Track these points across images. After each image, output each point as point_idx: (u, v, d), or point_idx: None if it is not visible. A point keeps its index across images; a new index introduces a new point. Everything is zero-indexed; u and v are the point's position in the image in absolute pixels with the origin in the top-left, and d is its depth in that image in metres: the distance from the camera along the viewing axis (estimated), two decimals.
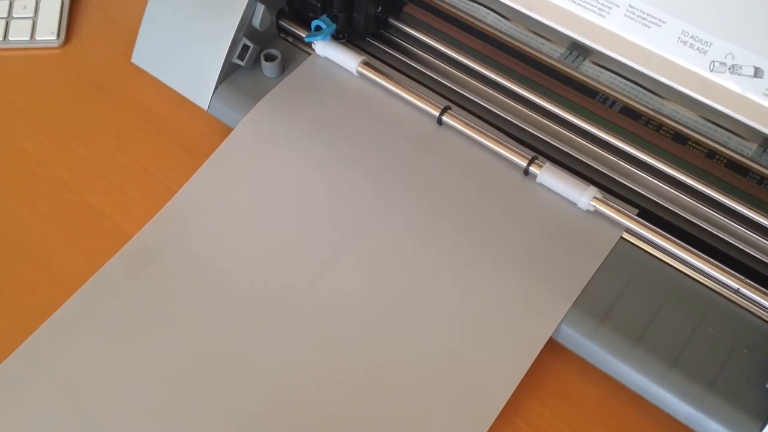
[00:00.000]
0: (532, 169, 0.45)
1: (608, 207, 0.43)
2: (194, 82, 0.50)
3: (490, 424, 0.38)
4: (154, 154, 0.51)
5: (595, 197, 0.43)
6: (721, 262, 0.41)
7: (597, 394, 0.42)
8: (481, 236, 0.43)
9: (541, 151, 0.47)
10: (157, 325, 0.42)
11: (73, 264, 0.46)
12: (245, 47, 0.49)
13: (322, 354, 0.41)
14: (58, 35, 0.57)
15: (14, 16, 0.57)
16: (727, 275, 0.41)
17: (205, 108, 0.50)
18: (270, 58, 0.50)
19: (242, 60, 0.50)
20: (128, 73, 0.55)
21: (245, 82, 0.50)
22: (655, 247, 0.42)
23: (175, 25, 0.50)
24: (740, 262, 0.42)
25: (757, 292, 0.40)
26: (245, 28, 0.49)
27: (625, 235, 0.43)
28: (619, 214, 0.43)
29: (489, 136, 0.46)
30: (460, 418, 0.39)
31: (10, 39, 0.56)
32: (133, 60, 0.53)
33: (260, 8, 0.49)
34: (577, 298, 0.41)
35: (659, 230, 0.42)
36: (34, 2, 0.58)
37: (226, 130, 0.50)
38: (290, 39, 0.53)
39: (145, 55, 0.52)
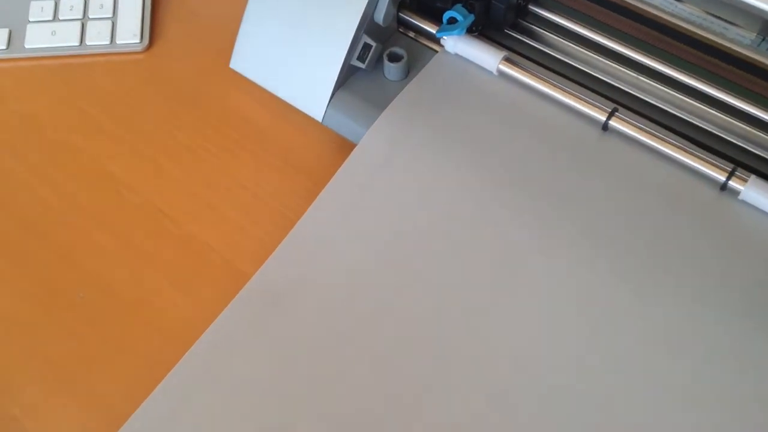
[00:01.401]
0: (733, 183, 0.37)
1: None
2: (306, 89, 0.43)
3: None
4: (261, 176, 0.44)
5: None
6: None
7: None
8: (690, 278, 0.35)
9: (739, 161, 0.38)
10: (289, 387, 0.35)
11: (179, 309, 0.39)
12: (366, 46, 0.42)
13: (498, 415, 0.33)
14: (141, 38, 0.50)
15: (90, 17, 0.50)
16: None
17: (320, 119, 0.43)
18: (395, 58, 0.43)
19: (363, 62, 0.42)
20: (224, 80, 0.48)
21: (365, 87, 0.43)
22: None
23: (282, 24, 0.43)
24: None
25: None
26: (366, 24, 0.41)
27: None
28: None
29: (671, 143, 0.38)
30: None
31: (87, 44, 0.49)
32: (232, 65, 0.45)
33: (384, 0, 0.41)
34: None
35: None
36: (111, 1, 0.51)
37: (345, 145, 0.43)
38: (411, 34, 0.45)
39: (245, 60, 0.45)
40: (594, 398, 0.33)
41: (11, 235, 0.41)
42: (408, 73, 0.43)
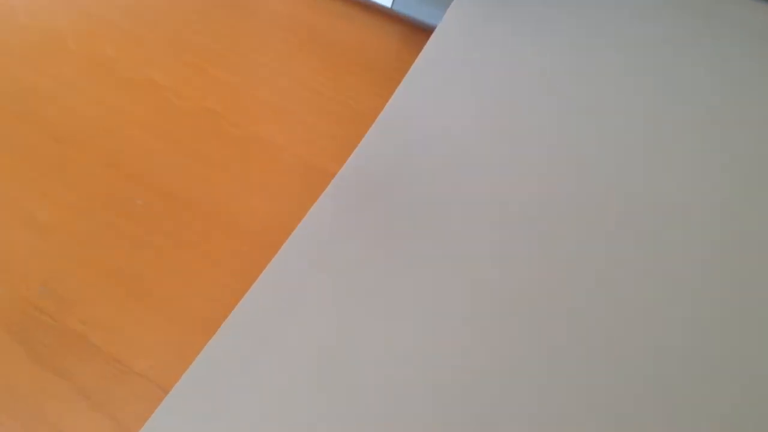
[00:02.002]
0: None
1: None
2: None
3: None
4: (324, 75, 0.39)
5: None
6: None
7: None
8: None
9: None
10: (397, 271, 0.30)
11: (258, 213, 0.33)
12: None
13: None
14: None
15: None
16: None
17: (389, 4, 0.38)
18: None
19: None
20: None
21: None
22: None
23: None
24: None
25: None
26: None
27: None
28: None
29: None
30: None
31: None
32: None
33: None
34: None
35: None
36: None
37: (415, 35, 0.38)
38: None
39: None
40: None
41: (48, 149, 0.36)
42: None
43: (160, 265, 0.32)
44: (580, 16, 0.36)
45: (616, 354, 0.27)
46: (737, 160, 0.31)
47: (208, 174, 0.35)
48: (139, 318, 0.30)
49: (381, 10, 0.40)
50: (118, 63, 0.39)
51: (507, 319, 0.28)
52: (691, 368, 0.26)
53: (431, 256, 0.30)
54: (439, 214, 0.31)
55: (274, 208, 0.33)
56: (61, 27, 0.41)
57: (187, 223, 0.33)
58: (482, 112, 0.33)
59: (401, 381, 0.27)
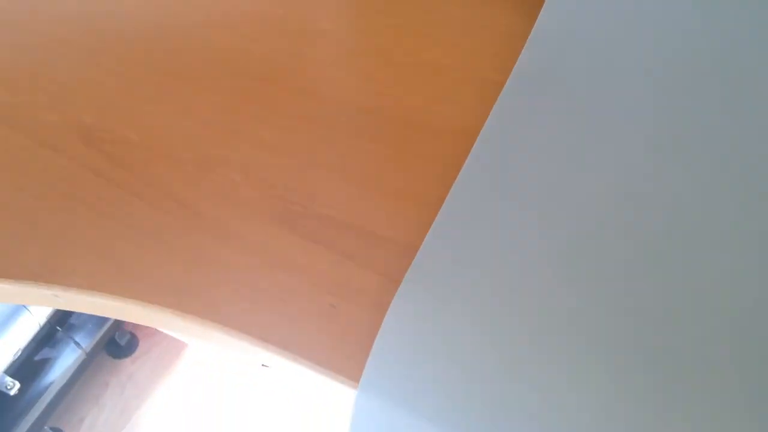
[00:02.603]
0: None
1: None
2: None
3: None
4: (471, 9, 0.45)
5: None
6: None
7: None
8: None
9: None
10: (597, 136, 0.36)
11: (449, 118, 0.40)
12: None
13: None
14: None
15: None
16: None
17: None
18: None
19: None
20: None
21: None
22: None
23: None
24: None
25: None
26: None
27: None
28: None
29: None
30: None
31: None
32: None
33: None
34: None
35: None
36: None
37: None
38: None
39: None
40: None
41: (253, 86, 0.42)
42: None
43: (377, 159, 0.38)
44: None
45: None
46: None
47: (398, 92, 0.41)
48: (374, 199, 0.36)
49: None
50: (287, 18, 0.46)
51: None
52: None
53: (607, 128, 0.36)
54: (604, 104, 0.38)
55: (461, 114, 0.40)
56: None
57: (393, 124, 0.40)
58: (626, 19, 0.40)
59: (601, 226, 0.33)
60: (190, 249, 0.35)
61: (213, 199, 0.37)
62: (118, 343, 1.34)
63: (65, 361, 1.19)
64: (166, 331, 1.28)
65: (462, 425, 0.29)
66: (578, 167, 0.35)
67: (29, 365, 1.16)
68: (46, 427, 1.20)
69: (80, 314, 1.25)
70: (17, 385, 1.10)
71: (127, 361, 1.36)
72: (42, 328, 1.13)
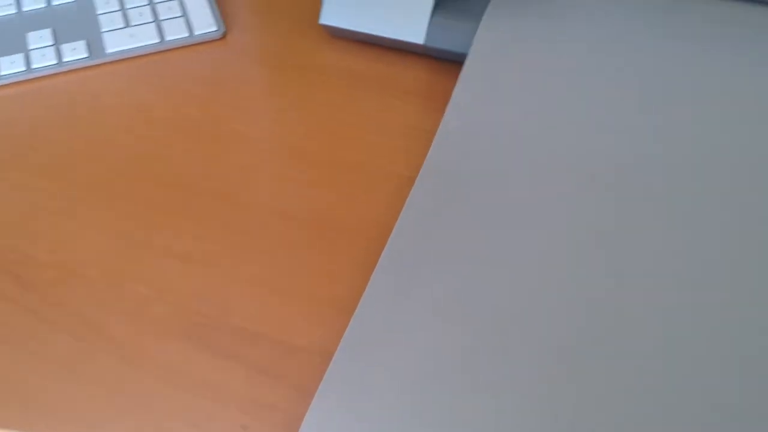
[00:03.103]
0: None
1: None
2: (403, 19, 0.47)
3: None
4: (381, 109, 0.46)
5: None
6: None
7: None
8: None
9: None
10: (489, 247, 0.37)
11: (362, 215, 0.40)
12: None
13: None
14: (218, 26, 0.52)
15: (161, 18, 0.53)
16: None
17: (421, 41, 0.46)
18: None
19: None
20: (313, 39, 0.51)
21: (454, 5, 0.47)
22: None
23: None
24: None
25: None
26: None
27: None
28: None
29: None
30: None
31: (167, 39, 0.51)
32: (322, 21, 0.49)
33: None
34: None
35: None
36: (177, 2, 0.54)
37: (448, 67, 0.46)
38: None
39: (336, 10, 0.48)
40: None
41: (167, 193, 0.42)
42: None
43: (292, 265, 0.38)
44: (590, 22, 0.45)
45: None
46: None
47: (314, 195, 0.41)
48: (289, 306, 0.36)
49: (413, 50, 0.48)
50: (202, 121, 0.46)
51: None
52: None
53: (513, 220, 0.37)
54: (510, 196, 0.38)
55: (372, 210, 0.40)
56: (143, 100, 0.48)
57: (309, 225, 0.40)
58: (525, 112, 0.41)
59: (513, 313, 0.34)
60: (97, 375, 0.34)
61: (122, 318, 0.36)
62: None
63: None
64: None
65: None
66: (483, 268, 0.36)
67: None
68: None
69: None
70: None
71: None
72: None
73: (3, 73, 0.49)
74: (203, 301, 0.37)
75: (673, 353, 0.32)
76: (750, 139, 0.39)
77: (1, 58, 0.50)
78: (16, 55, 0.50)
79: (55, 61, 0.50)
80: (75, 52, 0.51)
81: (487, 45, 0.45)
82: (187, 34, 0.52)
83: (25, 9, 0.54)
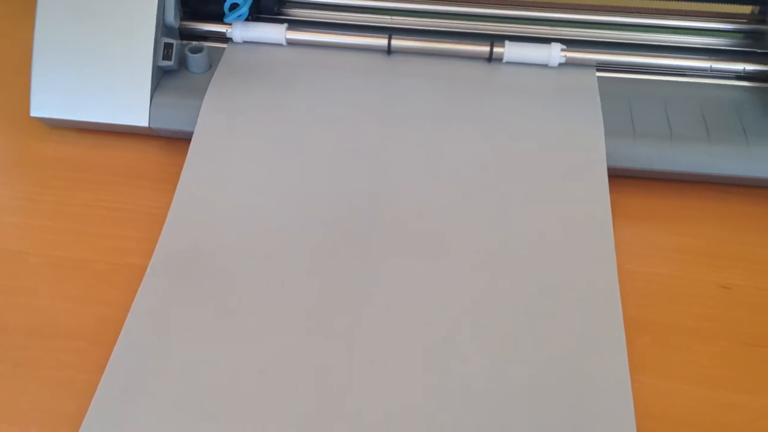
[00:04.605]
0: (497, 50, 0.47)
1: (576, 52, 0.47)
2: (123, 103, 0.45)
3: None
4: (109, 197, 0.44)
5: (562, 49, 0.47)
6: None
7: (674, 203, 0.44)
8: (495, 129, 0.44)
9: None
10: (229, 327, 0.36)
11: (91, 315, 0.37)
12: (168, 45, 0.46)
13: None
14: None
15: None
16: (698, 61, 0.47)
17: (146, 124, 0.45)
18: (196, 50, 0.47)
19: (170, 59, 0.46)
20: (29, 133, 0.47)
21: (176, 84, 0.47)
22: (630, 70, 0.47)
23: (77, 52, 0.45)
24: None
25: (727, 62, 0.46)
26: (161, 27, 0.46)
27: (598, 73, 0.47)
28: (587, 53, 0.47)
29: (444, 42, 0.48)
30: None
31: None
32: (33, 113, 0.46)
33: (170, 2, 0.46)
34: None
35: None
36: None
37: (175, 144, 0.46)
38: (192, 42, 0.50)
39: (47, 102, 0.46)
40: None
41: None
42: (210, 65, 0.48)
43: (10, 386, 0.34)
44: (310, 90, 0.46)
45: None
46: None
47: (37, 305, 0.38)
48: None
49: (138, 132, 0.47)
50: None
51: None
52: None
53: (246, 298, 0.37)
54: (243, 269, 0.38)
55: (104, 309, 0.38)
56: None
57: (21, 346, 0.36)
58: (255, 182, 0.42)
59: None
60: None
61: None
62: None
63: None
64: None
65: None
66: (225, 356, 0.34)
67: None
68: None
69: None
70: None
71: None
72: None
73: None
74: None
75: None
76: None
77: None
78: None
79: None
80: None
81: (212, 120, 0.44)
82: None
83: None
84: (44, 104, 0.46)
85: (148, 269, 0.38)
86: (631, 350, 0.34)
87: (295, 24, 0.50)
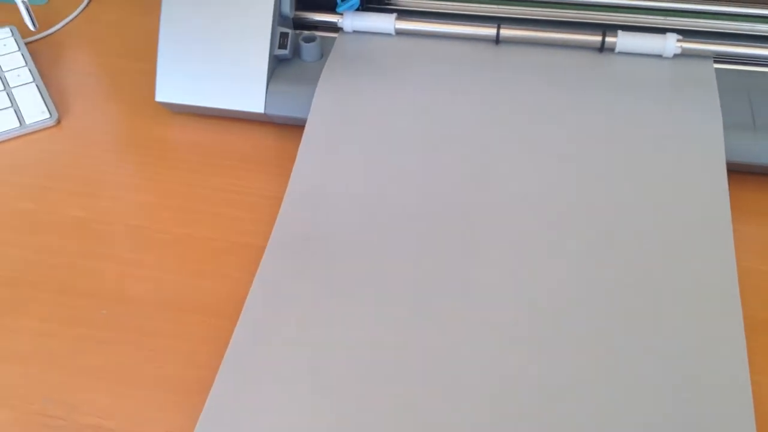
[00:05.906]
0: (609, 40, 0.46)
1: (692, 43, 0.46)
2: (241, 90, 0.47)
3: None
4: (227, 180, 0.46)
5: (678, 40, 0.46)
6: None
7: None
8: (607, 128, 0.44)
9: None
10: (347, 301, 0.37)
11: (213, 292, 0.39)
12: (284, 35, 0.47)
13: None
14: (50, 113, 0.51)
15: None
16: None
17: (261, 110, 0.47)
18: (309, 39, 0.49)
19: (285, 48, 0.47)
20: (153, 118, 0.50)
21: (290, 73, 0.48)
22: (749, 62, 0.46)
23: (200, 41, 0.47)
24: None
25: None
26: (277, 17, 0.47)
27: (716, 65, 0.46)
28: (704, 44, 0.46)
29: (553, 31, 0.48)
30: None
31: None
32: (158, 98, 0.48)
33: None
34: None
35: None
36: (5, 94, 0.52)
37: (289, 131, 0.47)
38: (305, 32, 0.51)
39: (171, 87, 0.48)
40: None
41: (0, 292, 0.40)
42: (322, 54, 0.49)
43: (140, 352, 0.37)
44: (421, 78, 0.47)
45: None
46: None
47: (161, 279, 0.40)
48: (139, 396, 0.35)
49: (253, 119, 0.49)
50: (38, 212, 0.44)
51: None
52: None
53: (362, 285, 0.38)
54: (357, 254, 0.39)
55: (224, 286, 0.40)
56: None
57: (148, 316, 0.38)
58: (366, 168, 0.43)
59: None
60: None
61: None
62: None
63: None
64: None
65: None
66: (338, 333, 0.36)
67: None
68: None
69: None
70: None
71: None
72: None
73: None
74: (50, 400, 0.35)
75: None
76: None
77: None
78: None
79: None
80: None
81: (324, 107, 0.46)
82: (17, 125, 0.50)
83: None
84: (169, 90, 0.48)
85: (266, 251, 0.39)
86: (751, 349, 0.33)
87: (404, 14, 0.51)
